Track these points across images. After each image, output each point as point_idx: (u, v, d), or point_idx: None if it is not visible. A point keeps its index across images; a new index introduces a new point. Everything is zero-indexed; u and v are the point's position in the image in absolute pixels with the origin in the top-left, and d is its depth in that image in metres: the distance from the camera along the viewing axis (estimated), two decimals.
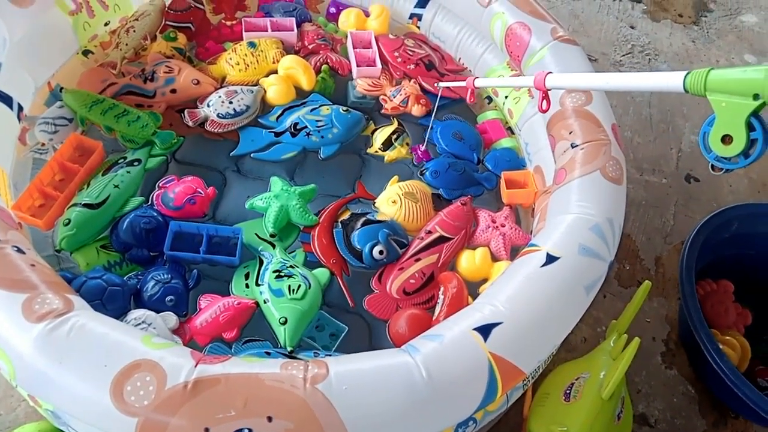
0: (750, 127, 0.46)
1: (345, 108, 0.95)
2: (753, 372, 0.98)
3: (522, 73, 0.96)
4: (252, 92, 0.93)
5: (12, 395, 0.83)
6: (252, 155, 0.90)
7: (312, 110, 0.94)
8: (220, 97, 0.92)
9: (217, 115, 0.90)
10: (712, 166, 0.51)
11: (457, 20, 1.08)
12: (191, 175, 0.84)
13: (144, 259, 0.78)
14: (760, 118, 0.46)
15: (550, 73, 0.69)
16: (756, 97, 0.44)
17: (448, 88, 0.97)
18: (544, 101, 0.73)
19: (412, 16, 1.13)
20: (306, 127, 0.91)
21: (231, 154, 0.90)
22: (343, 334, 0.75)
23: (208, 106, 0.91)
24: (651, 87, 0.54)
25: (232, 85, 0.96)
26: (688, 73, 0.49)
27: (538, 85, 0.70)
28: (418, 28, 1.13)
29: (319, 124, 0.92)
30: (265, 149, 0.91)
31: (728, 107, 0.46)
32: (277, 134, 0.92)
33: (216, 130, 0.91)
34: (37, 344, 0.55)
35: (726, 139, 0.47)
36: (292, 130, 0.92)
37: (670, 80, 0.50)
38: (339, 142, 0.92)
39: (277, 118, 0.93)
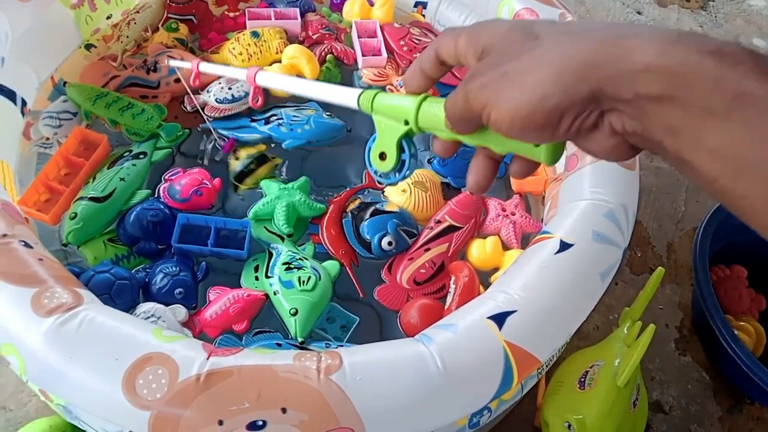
0: (401, 149, 0.50)
1: (329, 113, 0.93)
2: None
3: None
4: None
5: (22, 390, 0.83)
6: (221, 130, 0.90)
7: (297, 108, 0.93)
8: (220, 84, 0.91)
9: (215, 100, 0.90)
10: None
11: (463, 7, 1.07)
12: (197, 168, 0.83)
13: (152, 252, 0.77)
14: (409, 141, 0.50)
15: (262, 69, 0.70)
16: (406, 122, 0.47)
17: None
18: (258, 97, 0.76)
19: (417, 4, 1.11)
20: (281, 118, 0.91)
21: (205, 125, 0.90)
22: (354, 326, 0.74)
23: (208, 92, 0.91)
24: (333, 100, 0.54)
25: None
26: (361, 93, 0.51)
27: (249, 80, 0.70)
28: (423, 16, 1.12)
29: (294, 119, 0.91)
30: (236, 129, 0.90)
31: (386, 128, 0.49)
32: (253, 120, 0.92)
33: (213, 115, 0.90)
34: (47, 338, 0.54)
35: (382, 156, 0.51)
36: (267, 118, 0.91)
37: (347, 96, 0.52)
38: (306, 139, 0.90)
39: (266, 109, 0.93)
